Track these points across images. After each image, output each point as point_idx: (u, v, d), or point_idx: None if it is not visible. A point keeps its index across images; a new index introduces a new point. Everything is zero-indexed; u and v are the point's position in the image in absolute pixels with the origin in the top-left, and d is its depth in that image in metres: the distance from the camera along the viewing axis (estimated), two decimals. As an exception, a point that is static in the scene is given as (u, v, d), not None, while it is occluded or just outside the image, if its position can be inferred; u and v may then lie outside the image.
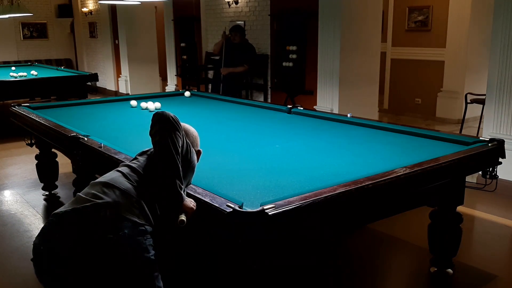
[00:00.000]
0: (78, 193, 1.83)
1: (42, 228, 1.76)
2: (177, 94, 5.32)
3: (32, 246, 1.74)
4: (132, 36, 10.28)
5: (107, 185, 1.81)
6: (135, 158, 2.03)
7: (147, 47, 10.41)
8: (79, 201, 1.76)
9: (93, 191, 1.78)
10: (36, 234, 1.77)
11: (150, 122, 1.94)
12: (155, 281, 1.76)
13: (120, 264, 1.69)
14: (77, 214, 1.70)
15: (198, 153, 2.16)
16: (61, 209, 1.76)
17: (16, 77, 7.06)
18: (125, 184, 1.83)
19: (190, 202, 1.88)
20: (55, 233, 1.71)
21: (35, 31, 12.46)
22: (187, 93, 5.12)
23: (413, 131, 3.19)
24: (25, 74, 7.26)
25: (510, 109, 4.40)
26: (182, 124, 2.16)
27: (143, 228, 1.75)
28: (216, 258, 2.06)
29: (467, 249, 3.30)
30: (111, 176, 1.88)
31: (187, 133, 2.13)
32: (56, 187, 4.51)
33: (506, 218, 3.85)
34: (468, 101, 6.24)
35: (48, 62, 11.61)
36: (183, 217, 1.80)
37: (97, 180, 1.88)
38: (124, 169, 1.92)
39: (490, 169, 2.77)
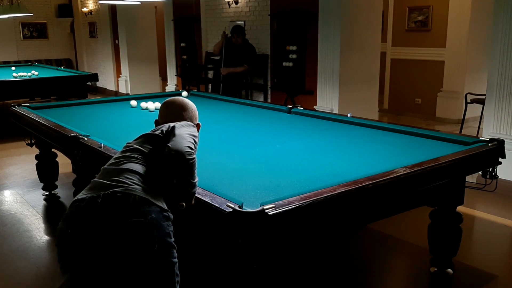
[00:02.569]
0: (96, 180, 1.85)
1: (67, 213, 1.78)
2: (175, 94, 5.32)
3: (57, 231, 1.76)
4: (132, 36, 10.28)
5: (130, 171, 1.83)
6: (142, 141, 1.99)
7: (147, 47, 10.41)
8: (102, 187, 1.77)
9: (116, 177, 1.80)
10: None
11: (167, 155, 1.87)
12: (174, 267, 1.80)
13: (144, 247, 1.72)
14: (106, 199, 1.72)
15: (198, 126, 2.20)
16: (84, 194, 1.78)
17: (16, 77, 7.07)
18: (144, 170, 1.85)
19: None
20: (82, 217, 1.73)
21: (35, 31, 12.46)
22: (184, 93, 5.12)
23: (413, 131, 3.19)
24: (24, 74, 7.26)
25: (510, 109, 4.40)
26: (181, 99, 2.25)
27: (167, 214, 1.81)
28: (216, 258, 2.06)
29: (467, 249, 3.30)
30: (130, 164, 1.87)
31: (186, 109, 2.19)
32: (56, 187, 4.51)
33: (506, 218, 3.85)
34: (468, 101, 6.24)
35: (48, 62, 11.61)
36: (183, 203, 1.88)
37: (113, 167, 1.88)
38: (137, 155, 1.91)
39: (490, 169, 2.77)
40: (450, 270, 2.94)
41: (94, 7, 11.78)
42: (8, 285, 2.98)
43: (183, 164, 1.83)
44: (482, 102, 5.51)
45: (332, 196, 1.93)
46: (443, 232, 2.86)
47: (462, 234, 2.90)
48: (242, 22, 7.64)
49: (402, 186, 2.25)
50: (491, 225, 3.80)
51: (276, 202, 1.81)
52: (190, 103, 2.24)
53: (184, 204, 1.88)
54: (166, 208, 1.82)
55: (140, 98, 4.84)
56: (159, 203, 1.80)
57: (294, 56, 6.86)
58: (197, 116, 2.26)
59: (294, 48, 6.84)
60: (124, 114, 4.18)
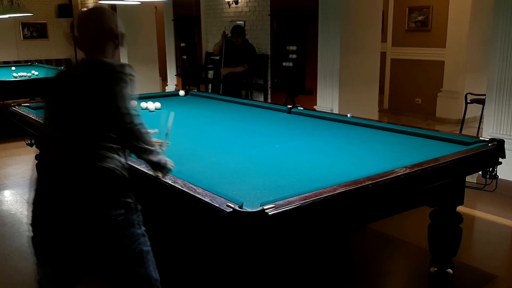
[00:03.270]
0: (49, 174, 1.84)
1: (33, 213, 1.83)
2: (173, 94, 5.33)
3: (31, 226, 1.81)
4: (132, 36, 10.26)
5: (91, 164, 1.78)
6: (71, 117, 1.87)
7: (147, 47, 10.38)
8: (59, 186, 1.78)
9: (73, 171, 1.78)
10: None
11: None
12: (148, 255, 1.85)
13: (115, 240, 1.77)
14: (75, 198, 1.74)
15: (122, 36, 2.03)
16: (43, 194, 1.82)
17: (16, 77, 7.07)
18: (104, 154, 1.79)
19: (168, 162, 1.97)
20: (49, 217, 1.78)
21: (35, 31, 12.46)
22: (181, 92, 5.13)
23: (413, 131, 3.18)
24: (24, 74, 7.26)
25: (510, 109, 4.40)
26: (98, 7, 2.08)
27: (136, 206, 1.86)
28: (216, 258, 2.06)
29: (467, 249, 3.30)
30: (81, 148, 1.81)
31: (109, 17, 1.97)
32: (56, 187, 4.51)
33: (506, 218, 3.85)
34: (468, 101, 6.24)
35: (48, 62, 11.60)
36: (158, 174, 1.99)
37: (62, 157, 1.84)
38: (79, 136, 1.83)
39: (490, 169, 2.77)
40: (450, 270, 2.94)
41: (94, 7, 11.77)
42: (8, 285, 2.98)
43: (127, 133, 1.80)
44: (482, 102, 5.51)
45: (332, 196, 1.93)
46: (443, 232, 2.86)
47: (462, 234, 2.90)
48: (242, 22, 7.64)
49: (402, 186, 2.25)
50: (491, 225, 3.80)
51: (276, 202, 1.81)
52: (108, 9, 2.03)
53: (160, 175, 1.96)
54: (133, 201, 1.84)
55: (140, 98, 4.83)
56: (128, 199, 1.82)
57: (294, 56, 6.86)
58: (119, 23, 2.01)
59: (294, 48, 6.85)
60: (124, 114, 4.17)
